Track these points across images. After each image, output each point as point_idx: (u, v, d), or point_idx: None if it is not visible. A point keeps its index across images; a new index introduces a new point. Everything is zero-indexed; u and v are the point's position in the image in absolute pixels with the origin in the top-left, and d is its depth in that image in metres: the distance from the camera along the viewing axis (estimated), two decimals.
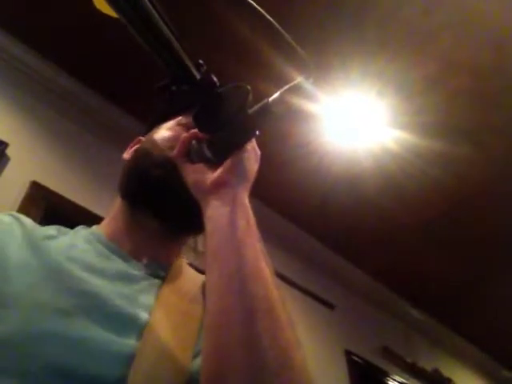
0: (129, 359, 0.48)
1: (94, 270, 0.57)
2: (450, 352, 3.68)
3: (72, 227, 0.70)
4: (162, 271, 0.65)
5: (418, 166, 2.40)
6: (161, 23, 0.46)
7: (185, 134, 0.60)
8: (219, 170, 0.55)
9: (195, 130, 0.59)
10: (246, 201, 0.54)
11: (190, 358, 0.52)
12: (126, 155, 0.77)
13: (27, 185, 1.85)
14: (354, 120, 2.28)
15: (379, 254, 3.02)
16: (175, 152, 0.60)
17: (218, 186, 0.54)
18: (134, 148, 0.78)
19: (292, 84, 0.54)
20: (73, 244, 0.62)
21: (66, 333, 0.48)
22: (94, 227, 0.71)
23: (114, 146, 2.26)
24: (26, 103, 2.11)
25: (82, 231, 0.69)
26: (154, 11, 0.45)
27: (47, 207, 1.85)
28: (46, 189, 1.90)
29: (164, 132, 0.72)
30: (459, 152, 2.32)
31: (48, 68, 2.18)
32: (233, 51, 1.98)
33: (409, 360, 3.15)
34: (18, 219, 0.63)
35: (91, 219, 0.73)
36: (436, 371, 3.27)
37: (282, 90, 0.54)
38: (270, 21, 0.51)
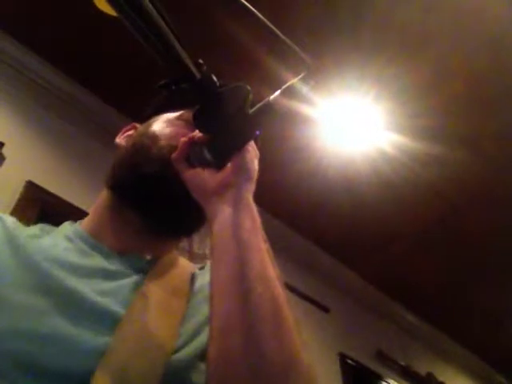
0: (100, 355, 0.46)
1: (73, 269, 0.56)
2: (444, 356, 3.69)
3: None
4: (146, 266, 0.62)
5: (414, 170, 2.41)
6: (161, 22, 0.46)
7: (184, 139, 0.59)
8: (223, 172, 0.54)
9: (194, 133, 0.58)
10: (251, 201, 0.54)
11: (168, 352, 0.50)
12: (120, 140, 0.74)
13: (22, 184, 1.85)
14: (351, 124, 2.29)
15: (374, 258, 3.03)
16: (174, 156, 0.59)
17: (223, 187, 0.54)
18: (128, 134, 0.75)
19: (292, 82, 0.54)
20: (54, 243, 0.61)
21: (37, 331, 0.47)
22: (78, 223, 0.68)
23: (109, 146, 2.26)
24: (21, 103, 2.10)
25: (65, 228, 0.67)
26: (154, 10, 0.45)
27: (43, 207, 1.85)
28: (41, 189, 1.89)
29: (164, 126, 0.69)
30: (455, 156, 2.33)
31: (45, 68, 2.18)
32: (230, 54, 1.98)
33: (403, 363, 3.15)
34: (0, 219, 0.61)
35: None
36: (430, 375, 3.28)
37: (282, 88, 0.54)
38: (267, 24, 0.51)
